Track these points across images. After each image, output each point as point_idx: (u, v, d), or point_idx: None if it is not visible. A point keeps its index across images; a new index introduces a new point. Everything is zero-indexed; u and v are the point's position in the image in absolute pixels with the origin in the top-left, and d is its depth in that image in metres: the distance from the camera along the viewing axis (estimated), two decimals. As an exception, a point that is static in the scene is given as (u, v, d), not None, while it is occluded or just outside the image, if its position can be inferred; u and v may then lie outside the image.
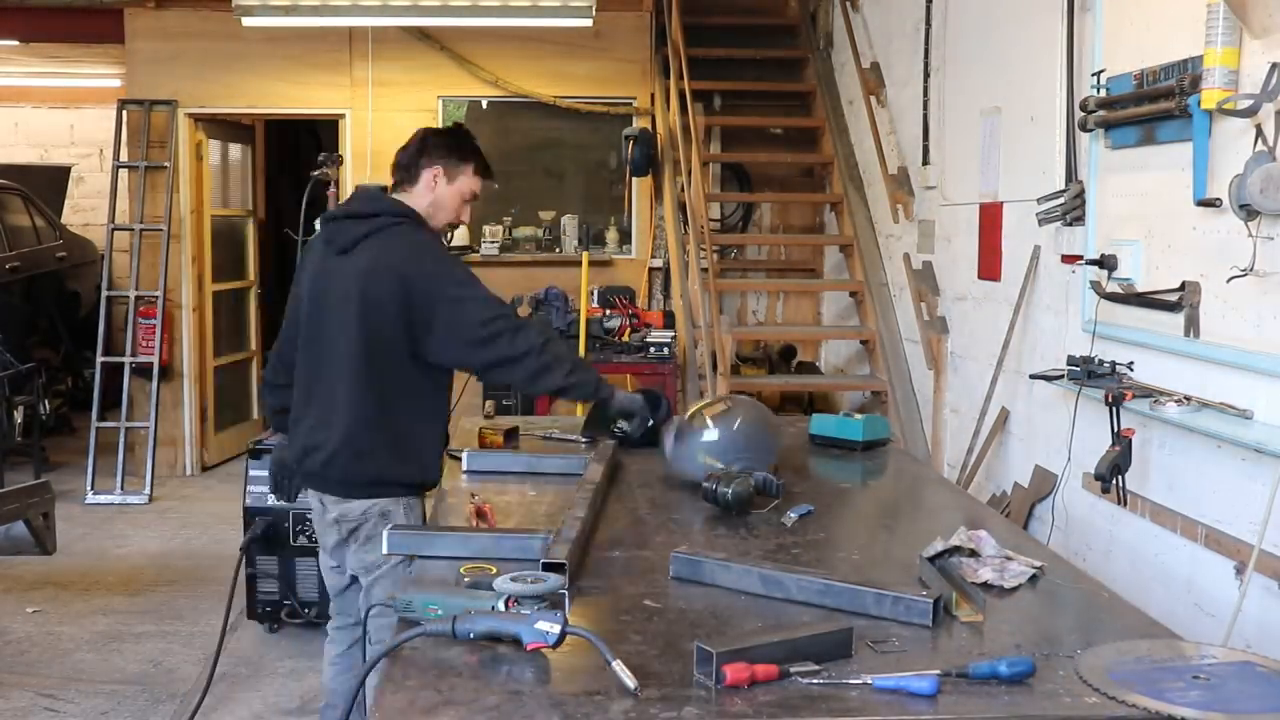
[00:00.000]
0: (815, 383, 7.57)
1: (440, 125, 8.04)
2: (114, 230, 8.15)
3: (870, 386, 6.80)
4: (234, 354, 8.73)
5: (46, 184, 10.04)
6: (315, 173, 6.24)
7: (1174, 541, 3.81)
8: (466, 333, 3.10)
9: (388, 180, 3.32)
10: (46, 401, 8.33)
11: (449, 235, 7.80)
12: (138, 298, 7.89)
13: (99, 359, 7.90)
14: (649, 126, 7.99)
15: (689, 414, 3.23)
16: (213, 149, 8.45)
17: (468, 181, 3.28)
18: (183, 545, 6.57)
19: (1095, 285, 4.20)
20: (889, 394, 6.54)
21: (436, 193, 3.23)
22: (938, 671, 1.82)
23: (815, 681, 1.82)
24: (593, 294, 6.97)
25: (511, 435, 3.70)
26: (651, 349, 6.57)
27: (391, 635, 2.04)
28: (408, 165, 3.26)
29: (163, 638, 5.12)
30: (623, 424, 3.49)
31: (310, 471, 3.23)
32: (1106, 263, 4.09)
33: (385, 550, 2.73)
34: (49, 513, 4.98)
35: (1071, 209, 4.42)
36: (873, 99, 6.98)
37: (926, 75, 6.15)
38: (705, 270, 6.86)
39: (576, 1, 6.89)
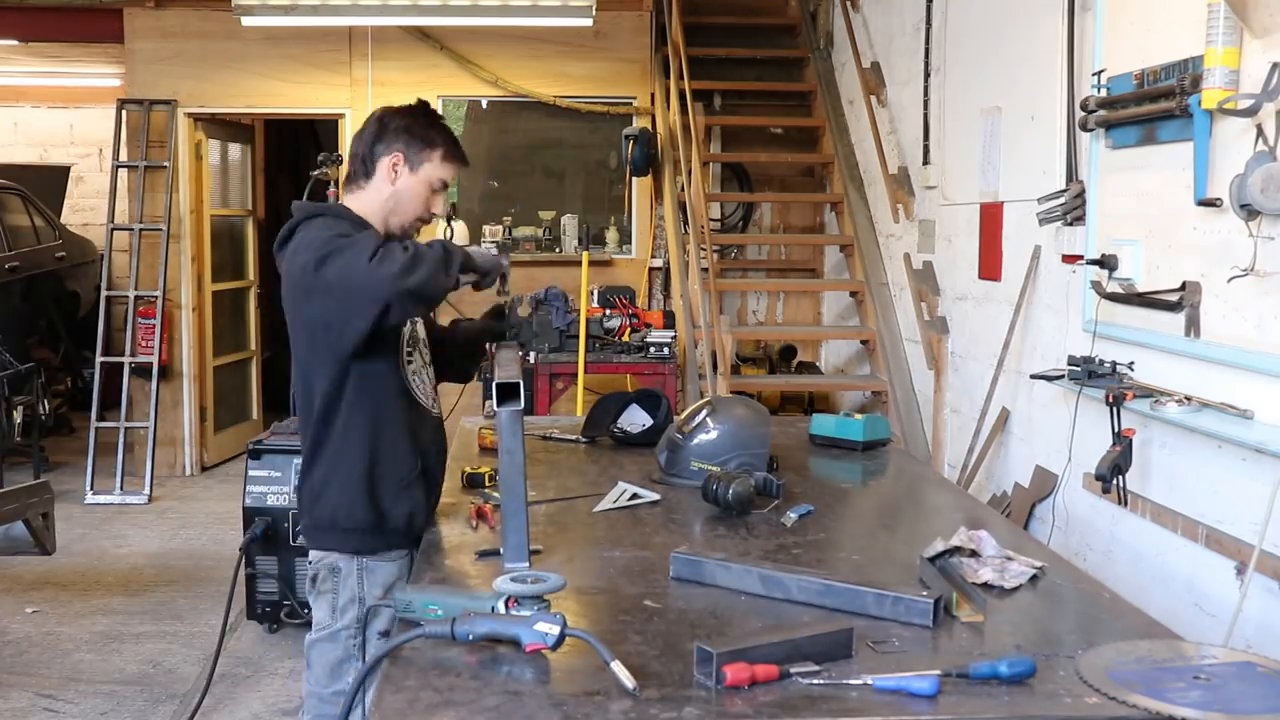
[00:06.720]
0: (815, 383, 7.57)
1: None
2: (113, 230, 8.14)
3: (870, 386, 6.80)
4: (233, 354, 8.72)
5: (46, 184, 10.04)
6: (315, 172, 6.26)
7: (1175, 542, 3.80)
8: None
9: None
10: (46, 401, 8.32)
11: (450, 234, 7.86)
12: (137, 297, 7.89)
13: (98, 359, 7.90)
14: (649, 126, 7.99)
15: (676, 424, 3.24)
16: (212, 148, 8.44)
17: (435, 168, 2.74)
18: (182, 545, 6.57)
19: (1096, 285, 4.20)
20: (889, 394, 6.54)
21: (398, 185, 2.71)
22: (938, 672, 1.82)
23: (815, 682, 1.82)
24: (593, 294, 6.96)
25: None
26: (651, 349, 6.57)
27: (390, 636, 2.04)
28: (363, 155, 2.73)
29: (162, 638, 5.12)
30: (623, 426, 3.48)
31: None
32: (1107, 263, 4.08)
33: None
34: (48, 513, 4.97)
35: (1072, 209, 4.41)
36: (873, 99, 6.98)
37: (927, 75, 6.14)
38: (705, 270, 6.86)
39: (576, 1, 6.89)
